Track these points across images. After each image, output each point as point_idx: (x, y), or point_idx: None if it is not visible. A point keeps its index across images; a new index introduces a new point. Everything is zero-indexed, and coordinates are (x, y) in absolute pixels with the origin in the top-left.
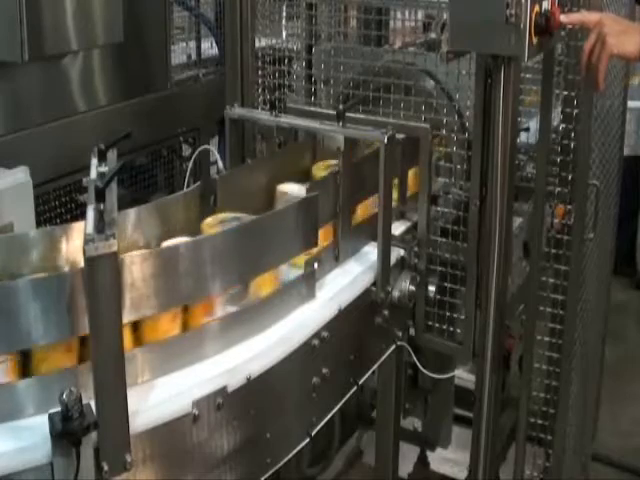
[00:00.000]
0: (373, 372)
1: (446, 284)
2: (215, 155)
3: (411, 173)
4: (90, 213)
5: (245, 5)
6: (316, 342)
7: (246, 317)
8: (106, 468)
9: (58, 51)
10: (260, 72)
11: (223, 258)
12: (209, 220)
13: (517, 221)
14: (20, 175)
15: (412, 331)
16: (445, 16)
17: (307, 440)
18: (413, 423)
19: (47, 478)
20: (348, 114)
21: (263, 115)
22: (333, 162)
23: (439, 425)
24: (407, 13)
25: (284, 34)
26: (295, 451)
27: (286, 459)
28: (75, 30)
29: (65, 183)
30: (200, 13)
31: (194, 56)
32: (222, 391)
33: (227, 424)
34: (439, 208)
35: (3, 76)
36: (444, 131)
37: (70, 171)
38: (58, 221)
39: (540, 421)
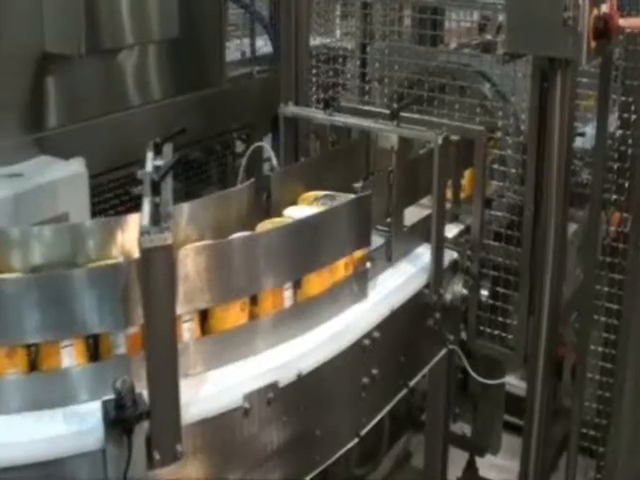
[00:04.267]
0: (423, 375)
1: (499, 289)
2: (269, 152)
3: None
4: (146, 205)
5: (301, 3)
6: (367, 342)
7: (298, 314)
8: (157, 457)
9: (114, 45)
10: (314, 70)
11: (276, 254)
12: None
13: (572, 227)
14: (76, 166)
15: (463, 335)
16: (501, 18)
17: (356, 440)
18: (462, 428)
19: (99, 464)
20: (402, 113)
21: (317, 113)
22: (320, 193)
23: (488, 431)
24: (462, 14)
25: (338, 33)
26: (344, 450)
27: (335, 457)
28: (131, 25)
29: (119, 175)
30: (255, 10)
31: (248, 53)
32: (273, 386)
33: (277, 419)
34: (493, 212)
35: (61, 69)
36: (499, 134)
37: (124, 164)
38: (112, 213)
39: (592, 432)
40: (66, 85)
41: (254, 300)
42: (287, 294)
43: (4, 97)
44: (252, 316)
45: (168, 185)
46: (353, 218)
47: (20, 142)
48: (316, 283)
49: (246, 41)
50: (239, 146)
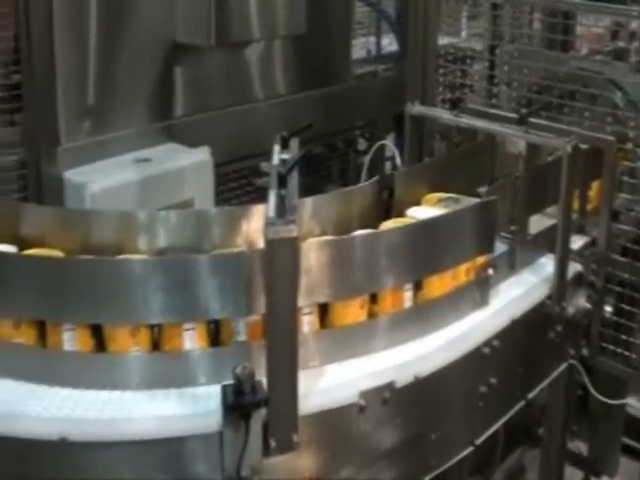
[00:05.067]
0: (542, 388)
1: (623, 305)
2: (393, 151)
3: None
4: (272, 197)
5: (429, 2)
6: (486, 350)
7: (418, 316)
8: (273, 445)
9: (242, 38)
10: (441, 70)
11: (398, 253)
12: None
13: None
14: (202, 154)
15: (585, 351)
16: (634, 24)
17: (471, 448)
18: (579, 447)
19: (215, 447)
20: (530, 119)
21: (443, 114)
22: (445, 195)
23: (606, 452)
24: (593, 19)
25: (464, 33)
26: (459, 457)
27: (450, 464)
28: (259, 19)
29: (243, 166)
30: (381, 9)
31: (373, 51)
32: (390, 386)
33: (391, 419)
34: (620, 225)
35: (190, 59)
36: (630, 145)
37: (248, 155)
38: (235, 202)
39: None
40: (194, 75)
41: (374, 298)
42: (407, 295)
43: (135, 85)
44: (371, 314)
45: (294, 179)
46: (477, 223)
47: (149, 129)
48: (437, 286)
49: (372, 39)
50: (362, 144)
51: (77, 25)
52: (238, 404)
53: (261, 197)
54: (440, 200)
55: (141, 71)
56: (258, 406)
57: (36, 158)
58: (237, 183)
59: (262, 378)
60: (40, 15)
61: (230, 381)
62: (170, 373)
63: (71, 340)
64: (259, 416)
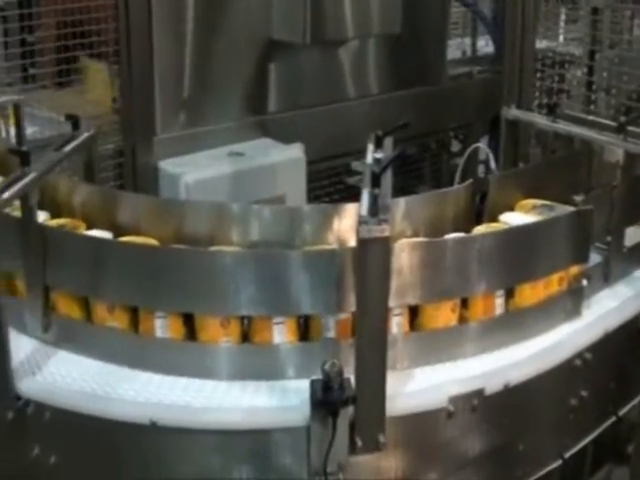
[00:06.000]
0: (634, 405)
1: None
2: (487, 154)
3: None
4: (365, 196)
5: (527, 5)
6: (578, 362)
7: (509, 323)
8: (359, 444)
9: (336, 37)
10: (538, 74)
11: (489, 259)
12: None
13: None
14: (295, 151)
15: None
16: None
17: (560, 462)
18: None
19: (302, 441)
20: (629, 127)
21: (540, 119)
22: (539, 202)
23: None
24: None
25: (561, 37)
26: (547, 470)
27: (537, 476)
28: (354, 18)
29: (335, 164)
30: (478, 9)
31: (469, 52)
32: (479, 393)
33: (480, 427)
34: None
35: (284, 56)
36: None
37: (340, 153)
38: (327, 200)
39: None
40: (288, 72)
41: (465, 303)
42: (498, 302)
43: (231, 79)
44: (462, 319)
45: (388, 178)
46: (572, 232)
47: (243, 123)
48: (529, 294)
49: (467, 40)
50: (455, 145)
51: (175, 19)
52: (326, 400)
53: (352, 196)
54: (535, 207)
55: (236, 66)
56: (346, 404)
57: (132, 147)
58: (328, 181)
59: (350, 376)
60: (139, 8)
61: (318, 377)
62: (259, 365)
63: (163, 327)
64: (346, 414)
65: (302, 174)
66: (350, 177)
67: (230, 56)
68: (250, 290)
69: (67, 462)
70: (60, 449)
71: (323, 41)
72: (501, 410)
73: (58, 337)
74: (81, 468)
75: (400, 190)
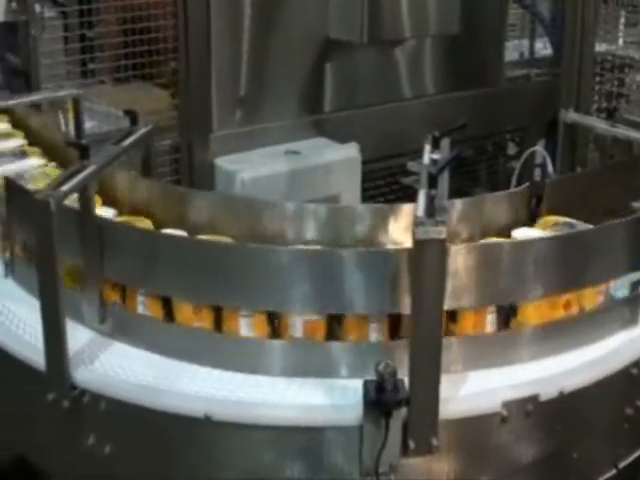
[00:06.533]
0: None
1: None
2: (544, 158)
3: None
4: (421, 197)
5: (587, 8)
6: (635, 371)
7: (565, 330)
8: (412, 446)
9: (393, 36)
10: (597, 78)
11: (545, 263)
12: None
13: None
14: (350, 150)
15: None
16: None
17: (614, 471)
18: None
19: (354, 440)
20: None
21: (599, 123)
22: (561, 219)
23: None
24: None
25: (621, 41)
26: (601, 479)
27: None
28: (411, 18)
29: (390, 164)
30: (537, 11)
31: (526, 54)
32: (534, 399)
33: (533, 433)
34: None
35: (341, 56)
36: None
37: (395, 153)
38: (381, 200)
39: None
40: (345, 72)
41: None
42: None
43: (287, 78)
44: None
45: (444, 179)
46: (630, 238)
47: (299, 122)
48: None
49: (525, 42)
50: (511, 148)
51: (233, 17)
52: (379, 401)
53: (406, 196)
54: (556, 224)
55: (293, 65)
56: (399, 405)
57: (189, 143)
58: (383, 181)
59: (404, 377)
60: (198, 5)
61: (372, 377)
62: (312, 363)
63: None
64: (399, 415)
65: (357, 174)
66: (405, 177)
67: (287, 54)
68: (302, 288)
69: (121, 452)
70: (115, 439)
71: (380, 40)
72: (555, 417)
73: (114, 329)
74: (135, 459)
75: (456, 191)
